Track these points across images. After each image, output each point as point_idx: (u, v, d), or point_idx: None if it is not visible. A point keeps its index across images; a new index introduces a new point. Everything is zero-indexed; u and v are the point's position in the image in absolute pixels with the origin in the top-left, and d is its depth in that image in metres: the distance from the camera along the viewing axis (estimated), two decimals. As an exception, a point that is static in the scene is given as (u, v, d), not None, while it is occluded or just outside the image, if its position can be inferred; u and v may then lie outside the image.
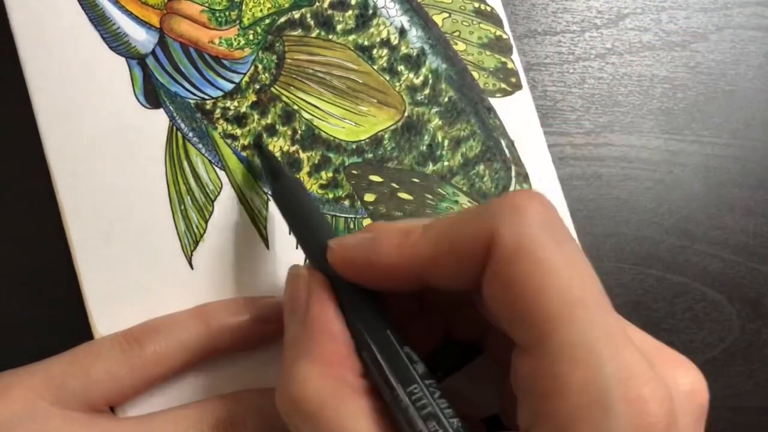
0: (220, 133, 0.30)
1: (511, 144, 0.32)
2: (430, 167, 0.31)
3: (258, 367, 0.29)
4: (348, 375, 0.22)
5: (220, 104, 0.30)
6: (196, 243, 0.29)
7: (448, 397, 0.21)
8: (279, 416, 0.26)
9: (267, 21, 0.30)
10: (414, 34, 0.32)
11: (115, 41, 0.29)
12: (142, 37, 0.29)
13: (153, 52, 0.29)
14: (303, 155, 0.30)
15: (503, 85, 0.33)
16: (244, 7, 0.30)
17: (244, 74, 0.30)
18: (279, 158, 0.30)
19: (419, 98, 0.32)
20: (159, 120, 0.29)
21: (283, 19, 0.31)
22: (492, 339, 0.26)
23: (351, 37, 0.31)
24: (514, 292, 0.19)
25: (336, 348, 0.22)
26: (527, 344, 0.19)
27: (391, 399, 0.21)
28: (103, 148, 0.29)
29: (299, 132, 0.30)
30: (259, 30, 0.30)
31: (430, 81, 0.32)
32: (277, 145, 0.30)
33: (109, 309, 0.28)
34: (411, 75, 0.32)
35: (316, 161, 0.30)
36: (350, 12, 0.31)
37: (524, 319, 0.19)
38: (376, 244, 0.23)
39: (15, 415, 0.25)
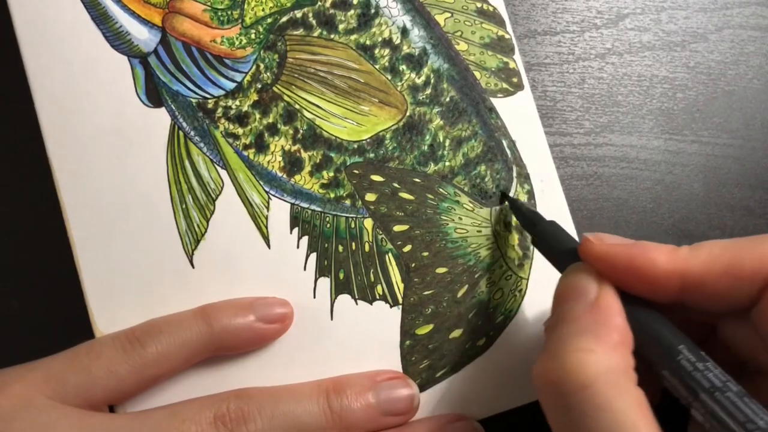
0: (221, 132, 0.30)
1: (512, 144, 0.32)
2: (432, 167, 0.31)
3: (259, 367, 0.29)
4: (628, 364, 0.23)
5: (221, 103, 0.30)
6: (197, 242, 0.29)
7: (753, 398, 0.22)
8: (279, 415, 0.27)
9: (269, 20, 0.30)
10: (416, 33, 0.32)
11: (117, 40, 0.29)
12: (144, 36, 0.29)
13: (155, 51, 0.29)
14: (304, 154, 0.30)
15: (505, 85, 0.33)
16: (246, 6, 0.30)
17: (246, 73, 0.30)
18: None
19: (421, 98, 0.32)
20: (161, 119, 0.29)
21: (285, 19, 0.31)
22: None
23: (353, 37, 0.31)
24: None
25: (620, 338, 0.23)
26: None
27: (694, 402, 0.22)
28: (104, 147, 0.29)
29: (301, 131, 0.30)
30: (261, 29, 0.30)
31: (432, 81, 0.32)
32: (279, 145, 0.30)
33: (110, 307, 0.28)
34: (413, 75, 0.32)
35: (318, 160, 0.30)
36: (352, 11, 0.31)
37: None
38: (645, 248, 0.24)
39: (13, 408, 0.25)
